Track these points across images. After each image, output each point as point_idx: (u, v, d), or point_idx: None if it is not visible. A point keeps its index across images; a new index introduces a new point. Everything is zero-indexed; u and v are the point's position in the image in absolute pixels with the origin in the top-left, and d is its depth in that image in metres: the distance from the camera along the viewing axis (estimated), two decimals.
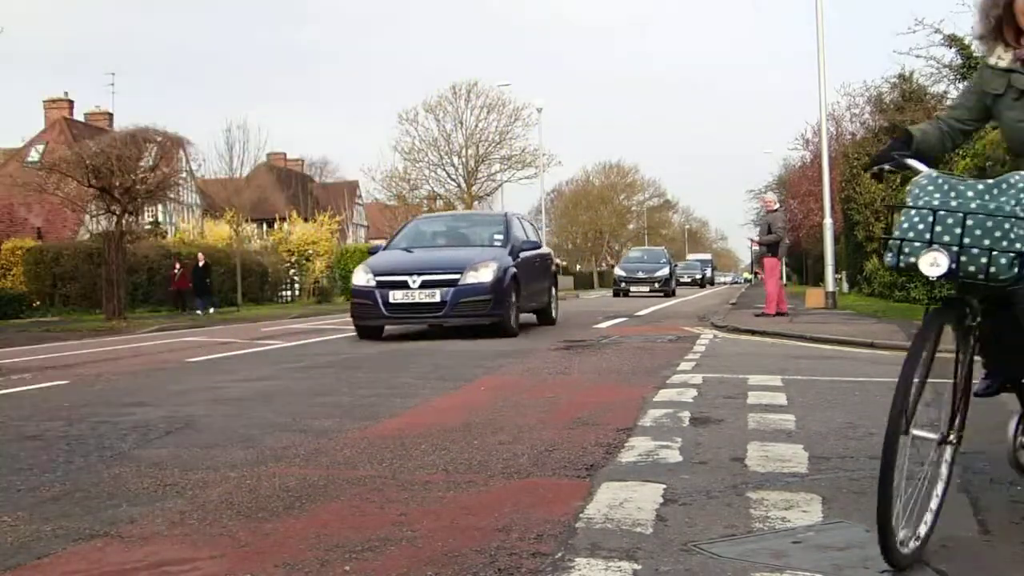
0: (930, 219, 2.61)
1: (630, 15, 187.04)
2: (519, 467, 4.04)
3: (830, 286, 19.19)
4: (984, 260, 2.56)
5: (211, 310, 25.80)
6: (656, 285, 31.39)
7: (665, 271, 32.21)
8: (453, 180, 48.68)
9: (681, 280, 44.99)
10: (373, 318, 11.79)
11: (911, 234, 2.65)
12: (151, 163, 22.16)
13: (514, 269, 12.12)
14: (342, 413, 5.66)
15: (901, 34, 50.50)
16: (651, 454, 4.26)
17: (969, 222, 2.58)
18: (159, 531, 3.16)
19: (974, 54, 18.36)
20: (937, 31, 18.74)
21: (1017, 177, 2.63)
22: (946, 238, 2.59)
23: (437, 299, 11.43)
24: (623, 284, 32.19)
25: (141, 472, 4.08)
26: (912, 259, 2.62)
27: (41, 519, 3.33)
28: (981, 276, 2.57)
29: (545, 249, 15.12)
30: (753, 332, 11.99)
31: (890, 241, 2.70)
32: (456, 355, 9.40)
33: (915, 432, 2.54)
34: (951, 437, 2.69)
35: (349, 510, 3.39)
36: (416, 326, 12.74)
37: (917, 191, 2.68)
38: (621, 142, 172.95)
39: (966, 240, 2.58)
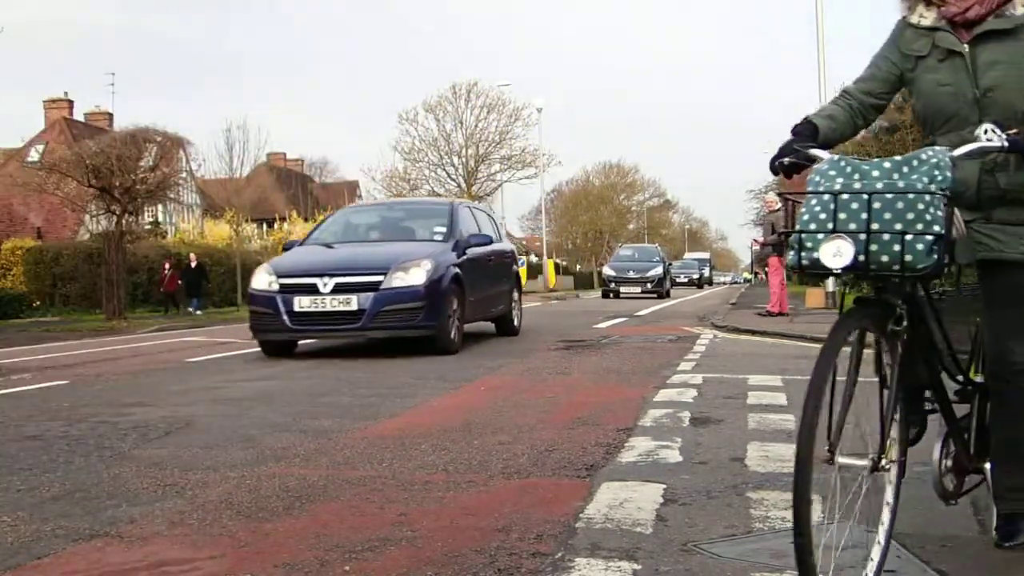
0: (832, 206, 2.28)
1: (630, 14, 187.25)
2: (519, 467, 4.05)
3: (830, 286, 19.15)
4: (897, 247, 2.20)
5: (196, 311, 25.14)
6: (648, 286, 29.43)
7: (658, 270, 30.09)
8: (453, 180, 48.64)
9: (677, 280, 44.18)
10: (274, 331, 9.61)
11: (812, 225, 2.30)
12: (151, 163, 22.16)
13: (456, 270, 9.93)
14: (342, 413, 5.66)
15: None
16: (651, 454, 4.26)
17: (876, 204, 2.23)
18: (159, 531, 3.16)
19: None
20: None
21: (930, 152, 2.30)
22: (852, 225, 2.25)
23: (354, 307, 9.25)
24: (612, 284, 29.64)
25: (141, 472, 4.08)
26: (815, 253, 2.27)
27: (41, 519, 3.33)
28: (896, 266, 2.22)
29: (504, 245, 12.77)
30: (753, 332, 11.99)
31: (790, 237, 2.36)
32: (456, 355, 9.40)
33: (841, 460, 2.22)
34: (883, 462, 2.27)
35: (349, 510, 3.39)
36: (334, 340, 10.72)
37: (818, 179, 2.36)
38: (621, 142, 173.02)
39: (874, 225, 2.22)
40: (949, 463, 2.74)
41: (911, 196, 2.22)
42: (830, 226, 2.27)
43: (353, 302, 9.31)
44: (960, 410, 2.72)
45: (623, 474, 3.85)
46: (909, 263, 2.20)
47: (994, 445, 2.68)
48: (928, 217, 2.20)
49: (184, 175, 31.15)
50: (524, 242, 69.28)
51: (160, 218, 37.36)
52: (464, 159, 48.62)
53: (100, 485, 3.86)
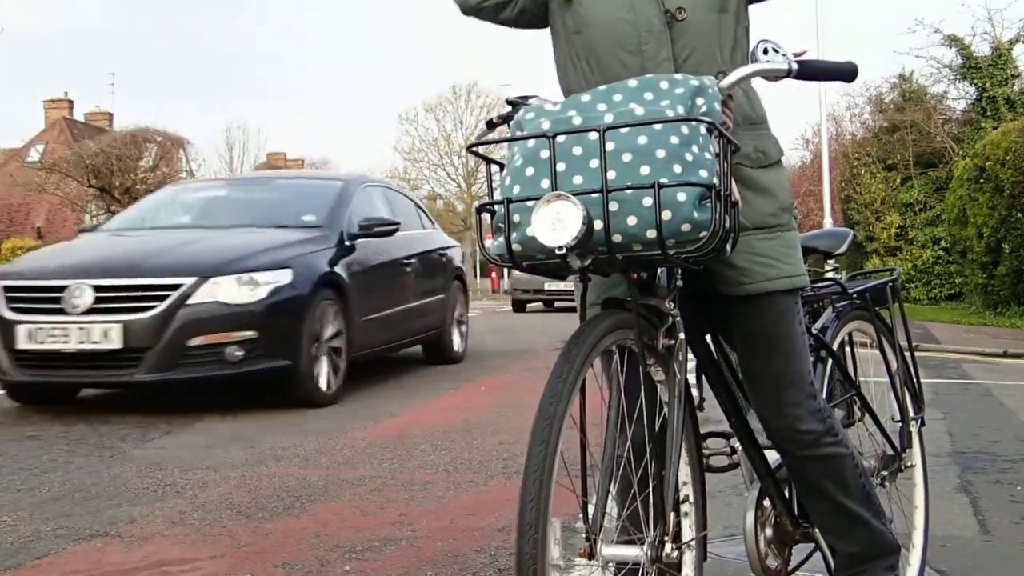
0: (543, 154, 1.49)
1: None
2: (519, 467, 4.02)
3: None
4: (648, 202, 1.42)
5: None
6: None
7: None
8: (453, 180, 48.72)
9: None
10: None
11: (517, 189, 1.52)
12: (151, 163, 22.23)
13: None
14: (342, 413, 5.66)
15: (901, 34, 50.70)
16: None
17: (611, 144, 1.45)
18: (159, 531, 3.16)
19: (974, 54, 18.37)
20: (937, 31, 18.76)
21: (679, 78, 1.54)
22: (577, 180, 1.46)
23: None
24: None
25: (141, 472, 4.08)
26: (529, 230, 1.47)
27: (41, 519, 3.33)
28: (651, 232, 1.44)
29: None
30: None
31: (494, 217, 1.58)
32: (456, 364, 9.38)
33: (608, 552, 1.59)
34: (667, 548, 1.58)
35: (349, 510, 3.39)
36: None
37: (522, 128, 1.59)
38: None
39: (611, 175, 1.44)
40: (768, 533, 2.04)
41: (657, 128, 1.45)
42: (545, 184, 1.47)
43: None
44: (775, 454, 1.98)
45: None
46: (669, 224, 1.43)
47: (813, 515, 2.03)
48: (690, 158, 1.44)
49: (184, 175, 31.18)
50: None
51: None
52: (464, 159, 48.68)
53: (100, 485, 3.86)
